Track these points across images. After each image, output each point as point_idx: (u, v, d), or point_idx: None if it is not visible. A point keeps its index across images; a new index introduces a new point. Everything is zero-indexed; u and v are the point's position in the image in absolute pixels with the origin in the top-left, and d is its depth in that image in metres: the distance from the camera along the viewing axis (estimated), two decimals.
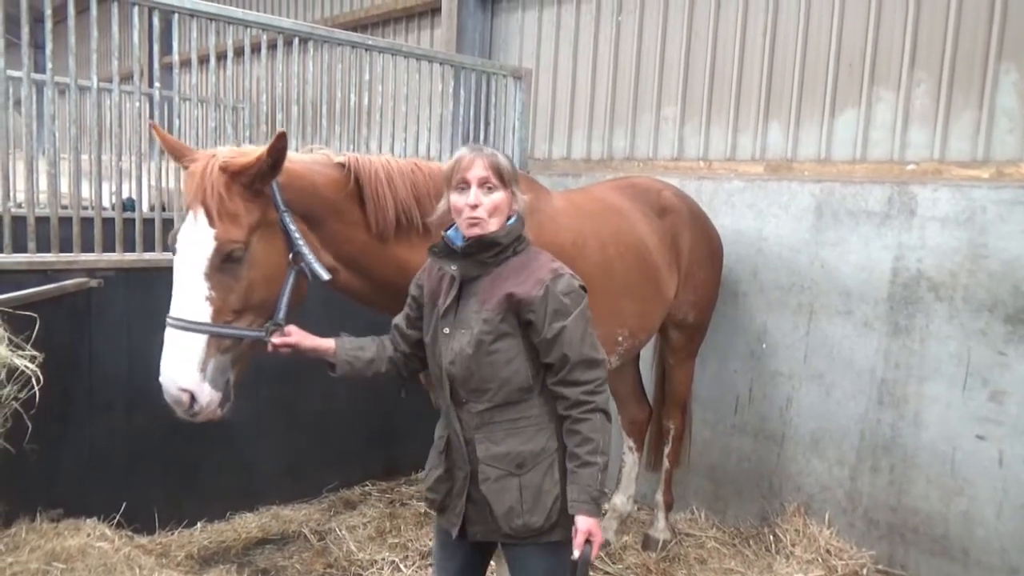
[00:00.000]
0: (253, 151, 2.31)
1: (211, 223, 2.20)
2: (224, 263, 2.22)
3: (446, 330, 2.18)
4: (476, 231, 2.13)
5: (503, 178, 2.14)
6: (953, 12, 3.77)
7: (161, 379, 2.19)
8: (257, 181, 2.27)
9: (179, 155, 2.40)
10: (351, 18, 7.46)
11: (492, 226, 2.14)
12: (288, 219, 2.36)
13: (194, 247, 2.21)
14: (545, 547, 2.21)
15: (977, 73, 3.73)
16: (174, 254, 2.27)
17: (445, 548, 2.39)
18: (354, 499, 4.66)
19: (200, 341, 2.19)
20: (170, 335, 2.19)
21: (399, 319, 2.45)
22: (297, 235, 2.36)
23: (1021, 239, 3.48)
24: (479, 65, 5.18)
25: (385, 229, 2.64)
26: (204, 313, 2.20)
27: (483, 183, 2.12)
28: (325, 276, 2.39)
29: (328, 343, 2.35)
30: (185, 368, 2.17)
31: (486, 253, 2.17)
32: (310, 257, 2.37)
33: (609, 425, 2.19)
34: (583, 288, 2.20)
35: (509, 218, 2.20)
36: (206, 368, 2.20)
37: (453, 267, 2.18)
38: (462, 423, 2.20)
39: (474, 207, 2.11)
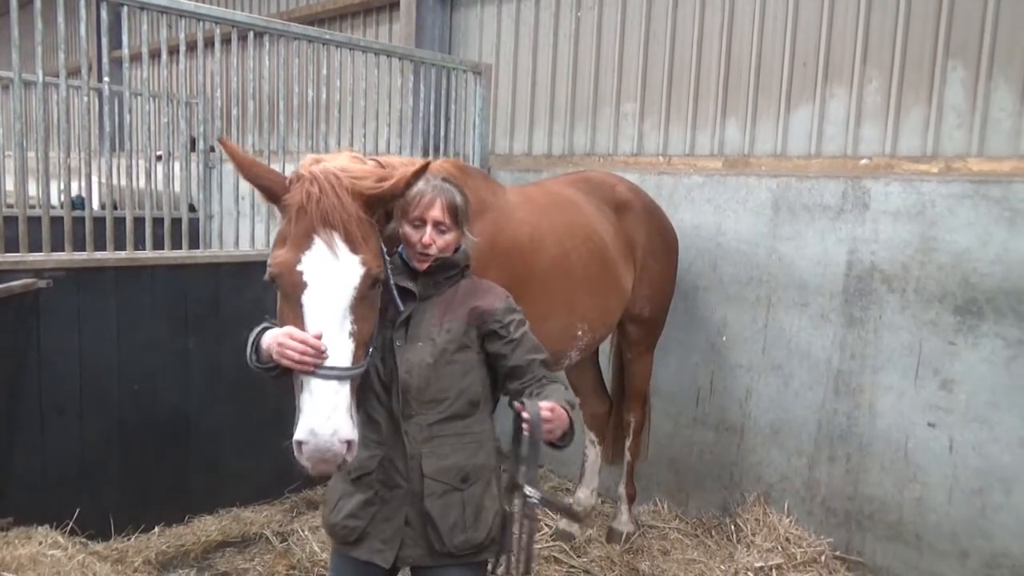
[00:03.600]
0: (365, 168, 2.14)
1: (354, 249, 2.02)
2: (371, 290, 2.06)
3: (398, 343, 2.19)
4: (424, 266, 2.21)
5: (457, 219, 2.23)
6: (903, 11, 3.86)
7: (315, 436, 1.93)
8: (385, 203, 2.14)
9: (279, 189, 2.07)
10: (308, 12, 7.35)
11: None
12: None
13: (337, 276, 2.01)
14: (474, 567, 2.21)
15: (926, 70, 3.82)
16: (292, 287, 2.01)
17: None
18: (316, 499, 4.60)
19: (347, 386, 2.00)
20: (319, 386, 1.96)
21: None
22: (387, 256, 2.20)
23: (969, 232, 3.58)
24: (439, 60, 5.15)
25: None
26: (349, 353, 2.01)
27: (438, 224, 2.19)
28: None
29: None
30: (344, 418, 1.97)
31: (444, 274, 2.26)
32: (392, 281, 2.20)
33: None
34: None
35: (457, 248, 2.29)
36: (352, 412, 2.02)
37: (411, 284, 2.22)
38: (408, 437, 2.16)
39: (427, 246, 2.18)
